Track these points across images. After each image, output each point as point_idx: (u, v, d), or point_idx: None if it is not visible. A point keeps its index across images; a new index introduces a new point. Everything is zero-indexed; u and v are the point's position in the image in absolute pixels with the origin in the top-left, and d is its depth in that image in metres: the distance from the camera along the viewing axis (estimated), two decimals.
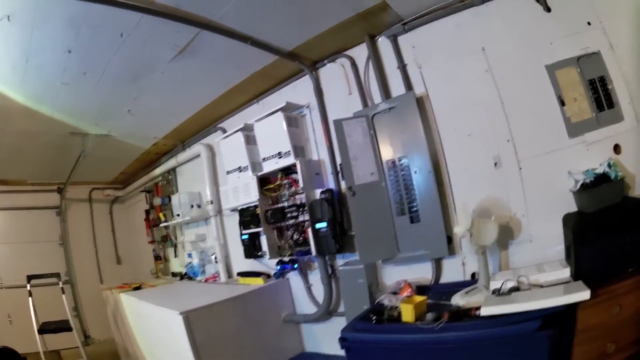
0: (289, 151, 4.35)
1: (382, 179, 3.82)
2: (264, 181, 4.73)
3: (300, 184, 4.31)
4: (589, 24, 3.04)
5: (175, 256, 7.42)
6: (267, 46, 3.99)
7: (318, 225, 4.11)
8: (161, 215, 7.10)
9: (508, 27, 3.39)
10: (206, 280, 6.02)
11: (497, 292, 2.76)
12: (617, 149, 2.97)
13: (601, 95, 3.03)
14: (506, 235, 3.28)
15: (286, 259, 4.68)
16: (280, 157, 4.44)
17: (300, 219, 4.40)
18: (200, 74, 4.46)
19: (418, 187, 3.62)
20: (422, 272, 3.77)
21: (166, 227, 7.25)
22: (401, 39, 3.95)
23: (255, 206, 4.76)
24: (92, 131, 5.69)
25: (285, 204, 4.58)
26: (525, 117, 3.32)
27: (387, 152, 3.83)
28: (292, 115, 4.57)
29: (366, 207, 3.80)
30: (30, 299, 5.54)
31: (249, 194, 4.76)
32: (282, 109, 4.43)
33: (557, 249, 3.02)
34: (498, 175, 3.40)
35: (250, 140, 4.85)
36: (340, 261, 4.35)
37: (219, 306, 4.27)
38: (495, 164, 3.41)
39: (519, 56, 3.34)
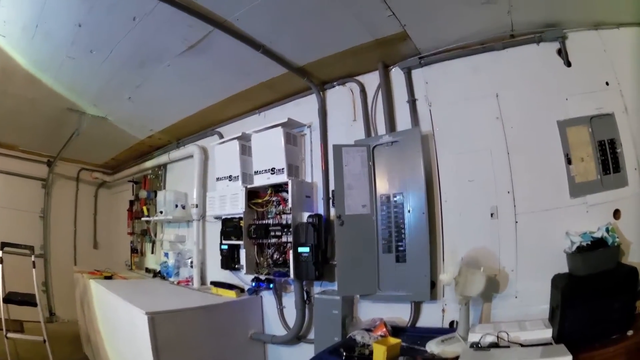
0: (283, 169, 4.25)
1: (374, 213, 3.72)
2: (252, 194, 4.61)
3: (289, 204, 4.21)
4: (607, 84, 3.06)
5: (152, 252, 7.32)
6: (278, 57, 3.91)
7: (301, 249, 4.00)
8: (144, 209, 6.99)
9: (525, 76, 3.39)
10: (178, 283, 5.90)
11: (476, 346, 2.67)
12: (617, 214, 2.94)
13: (609, 158, 3.03)
14: (492, 288, 3.19)
15: (262, 276, 4.55)
16: (273, 173, 4.34)
17: (284, 239, 4.28)
18: (206, 74, 4.41)
19: (409, 226, 3.52)
20: (399, 313, 3.67)
21: (147, 222, 7.16)
22: (415, 73, 3.90)
23: (240, 218, 4.65)
24: (89, 111, 5.65)
25: (271, 222, 4.46)
26: (530, 170, 3.27)
27: (382, 186, 3.75)
28: (292, 132, 4.48)
29: (352, 239, 3.70)
30: (0, 265, 5.44)
31: (235, 205, 4.67)
32: (282, 125, 4.34)
33: (541, 307, 2.92)
34: (493, 226, 3.33)
35: (245, 151, 4.80)
36: (317, 288, 4.26)
37: (187, 313, 4.20)
38: (492, 214, 3.33)
39: (532, 108, 3.32)
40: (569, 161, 3.10)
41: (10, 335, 5.34)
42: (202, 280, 5.70)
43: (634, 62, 3.00)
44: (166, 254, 6.45)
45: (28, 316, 5.87)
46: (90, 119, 5.81)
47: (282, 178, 4.26)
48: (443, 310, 3.49)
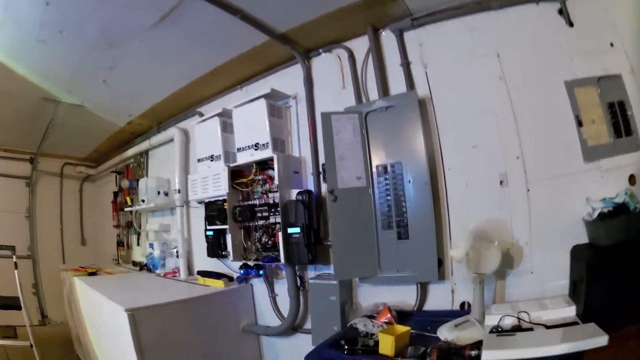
0: (267, 143, 3.98)
1: (370, 186, 3.46)
2: (236, 174, 4.36)
3: (276, 182, 3.92)
4: (611, 45, 2.88)
5: (138, 244, 7.14)
6: (258, 23, 3.63)
7: (290, 230, 3.73)
8: (128, 199, 6.81)
9: (527, 36, 3.17)
10: (165, 275, 5.66)
11: (497, 331, 2.43)
12: (632, 179, 2.75)
13: (619, 121, 2.84)
14: (505, 263, 2.94)
15: (251, 263, 4.31)
16: (257, 149, 4.06)
17: (272, 220, 4.01)
18: (182, 48, 4.14)
19: (410, 199, 3.26)
20: (404, 296, 3.43)
21: (131, 212, 6.98)
22: (407, 35, 3.64)
23: (224, 200, 4.39)
24: (65, 99, 5.41)
25: (257, 202, 4.19)
26: (539, 134, 3.05)
27: (378, 156, 3.47)
28: (276, 104, 4.20)
29: (348, 216, 3.42)
30: None
31: (218, 187, 4.40)
32: (265, 96, 4.06)
33: (559, 283, 2.76)
34: (503, 195, 3.09)
35: (226, 128, 4.51)
36: (311, 273, 4.03)
37: (172, 307, 3.93)
38: (501, 182, 3.09)
39: (537, 67, 3.10)
40: (579, 123, 2.90)
41: None
42: (189, 271, 5.48)
43: (634, 25, 2.83)
44: (151, 245, 6.22)
45: (20, 321, 5.65)
46: (66, 108, 5.59)
47: (267, 153, 3.98)
48: (452, 291, 3.26)
